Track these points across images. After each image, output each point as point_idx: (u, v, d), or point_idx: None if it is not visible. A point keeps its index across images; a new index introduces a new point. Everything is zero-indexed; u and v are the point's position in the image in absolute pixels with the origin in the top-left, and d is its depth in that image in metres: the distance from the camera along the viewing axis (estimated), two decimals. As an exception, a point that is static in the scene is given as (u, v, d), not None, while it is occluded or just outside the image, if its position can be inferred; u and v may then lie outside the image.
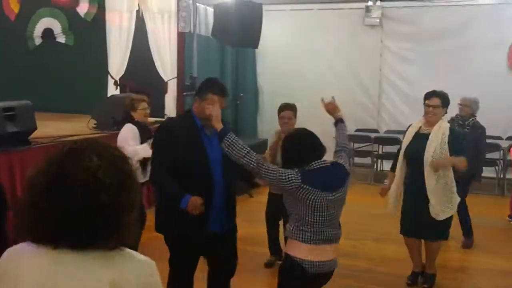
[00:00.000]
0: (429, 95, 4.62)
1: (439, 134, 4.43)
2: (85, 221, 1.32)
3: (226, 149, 3.03)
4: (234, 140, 3.02)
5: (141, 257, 1.44)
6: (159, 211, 3.54)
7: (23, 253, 1.39)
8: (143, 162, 4.60)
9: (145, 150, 4.57)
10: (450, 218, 4.59)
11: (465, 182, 6.08)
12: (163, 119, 8.09)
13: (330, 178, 3.08)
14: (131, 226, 1.41)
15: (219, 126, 3.09)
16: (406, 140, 4.66)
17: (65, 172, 1.34)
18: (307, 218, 3.01)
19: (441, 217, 4.44)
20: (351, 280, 4.92)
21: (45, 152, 1.43)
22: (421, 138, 4.51)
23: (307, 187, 2.95)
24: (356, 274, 5.05)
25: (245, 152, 3.01)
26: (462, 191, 6.07)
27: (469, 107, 5.94)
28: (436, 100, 4.56)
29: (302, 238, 3.03)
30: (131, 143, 4.71)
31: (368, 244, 5.91)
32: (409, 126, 4.83)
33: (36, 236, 1.36)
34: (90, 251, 1.35)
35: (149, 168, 4.43)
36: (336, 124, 3.89)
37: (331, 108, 3.95)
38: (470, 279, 5.10)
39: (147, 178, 4.52)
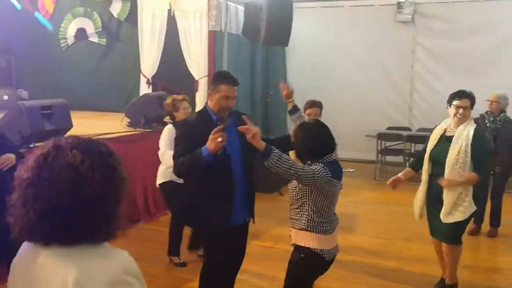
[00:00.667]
0: (458, 96, 4.35)
1: (463, 136, 4.22)
2: (70, 216, 1.32)
3: (274, 165, 2.95)
4: (280, 155, 2.97)
5: (118, 255, 1.40)
6: (186, 205, 3.63)
7: (20, 252, 1.45)
8: None
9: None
10: (462, 224, 4.33)
11: (502, 176, 6.04)
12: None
13: (339, 170, 3.21)
14: (120, 219, 1.41)
15: (261, 145, 3.02)
16: (431, 143, 4.46)
17: (49, 168, 1.35)
18: (326, 209, 3.15)
19: (449, 219, 4.25)
20: (380, 279, 4.89)
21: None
22: (447, 141, 4.32)
23: (334, 180, 3.10)
24: (386, 273, 5.02)
25: (291, 163, 2.98)
26: (499, 185, 6.05)
27: (498, 103, 6.00)
28: (467, 101, 4.34)
29: (320, 230, 3.15)
30: (163, 146, 4.82)
31: (398, 243, 5.87)
32: (434, 128, 4.62)
33: (23, 233, 1.37)
34: (69, 246, 1.34)
35: None
36: (293, 111, 4.19)
37: (289, 94, 4.19)
38: (507, 280, 5.00)
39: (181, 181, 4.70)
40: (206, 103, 3.58)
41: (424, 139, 8.54)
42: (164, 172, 4.91)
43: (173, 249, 5.13)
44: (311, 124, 3.42)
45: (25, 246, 1.43)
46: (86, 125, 6.89)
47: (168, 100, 5.07)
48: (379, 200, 7.77)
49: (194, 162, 3.28)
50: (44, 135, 5.27)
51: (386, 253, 5.55)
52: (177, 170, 3.50)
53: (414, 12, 9.61)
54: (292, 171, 2.96)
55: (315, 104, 5.23)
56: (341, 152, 10.70)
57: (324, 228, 3.16)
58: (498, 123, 5.94)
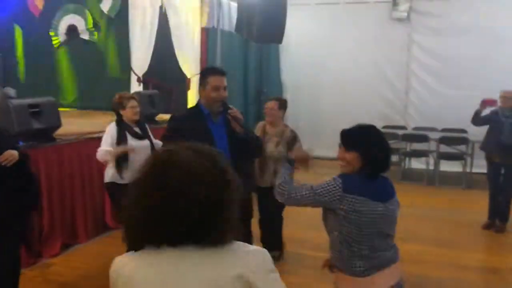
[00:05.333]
0: None
1: None
2: (209, 217, 1.36)
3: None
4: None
5: (254, 247, 1.49)
6: None
7: (135, 260, 1.42)
8: (118, 163, 4.55)
9: (102, 153, 4.56)
10: None
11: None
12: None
13: (381, 188, 2.65)
14: (238, 220, 1.45)
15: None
16: None
17: (193, 171, 1.37)
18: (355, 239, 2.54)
19: None
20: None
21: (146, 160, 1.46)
22: None
23: (357, 197, 2.50)
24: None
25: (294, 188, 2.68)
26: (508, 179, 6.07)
27: (511, 98, 6.05)
28: None
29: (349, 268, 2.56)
30: (102, 145, 4.65)
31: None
32: None
33: (155, 239, 1.39)
34: (208, 247, 1.38)
35: (126, 169, 4.50)
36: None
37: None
38: (501, 281, 4.90)
39: (125, 181, 4.51)
40: (199, 100, 3.61)
41: (420, 138, 8.62)
42: (107, 172, 4.73)
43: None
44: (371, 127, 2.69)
45: (140, 255, 1.42)
46: (76, 123, 6.76)
47: (116, 97, 4.87)
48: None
49: None
50: (31, 134, 5.15)
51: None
52: None
53: (409, 9, 9.51)
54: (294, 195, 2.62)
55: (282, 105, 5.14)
56: (336, 151, 10.66)
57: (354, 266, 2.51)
58: None
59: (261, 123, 5.20)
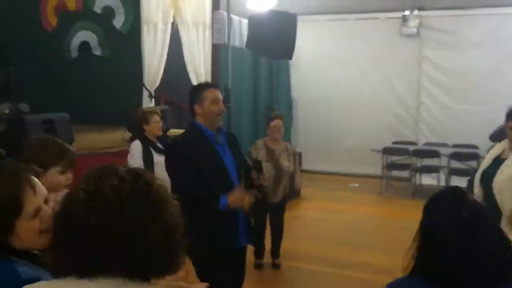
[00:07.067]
0: (507, 116, 3.68)
1: None
2: (90, 243, 1.21)
3: None
4: None
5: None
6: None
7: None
8: None
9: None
10: None
11: None
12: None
13: None
14: (151, 261, 1.27)
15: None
16: (485, 163, 3.83)
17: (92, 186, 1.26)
18: None
19: None
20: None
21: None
22: (499, 163, 3.68)
23: None
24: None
25: None
26: None
27: None
28: None
29: None
30: (135, 162, 4.54)
31: (406, 260, 5.71)
32: (490, 147, 4.02)
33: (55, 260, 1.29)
34: (102, 278, 1.23)
35: None
36: None
37: None
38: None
39: None
40: (194, 121, 3.37)
41: (431, 154, 8.60)
42: None
43: None
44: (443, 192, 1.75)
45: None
46: (88, 138, 6.81)
47: (139, 113, 4.85)
48: (385, 216, 7.64)
49: (207, 204, 3.16)
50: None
51: (393, 271, 5.37)
52: (184, 203, 3.32)
53: (419, 25, 9.54)
54: None
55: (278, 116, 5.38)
56: (346, 167, 10.66)
57: None
58: None
59: (261, 141, 5.29)
